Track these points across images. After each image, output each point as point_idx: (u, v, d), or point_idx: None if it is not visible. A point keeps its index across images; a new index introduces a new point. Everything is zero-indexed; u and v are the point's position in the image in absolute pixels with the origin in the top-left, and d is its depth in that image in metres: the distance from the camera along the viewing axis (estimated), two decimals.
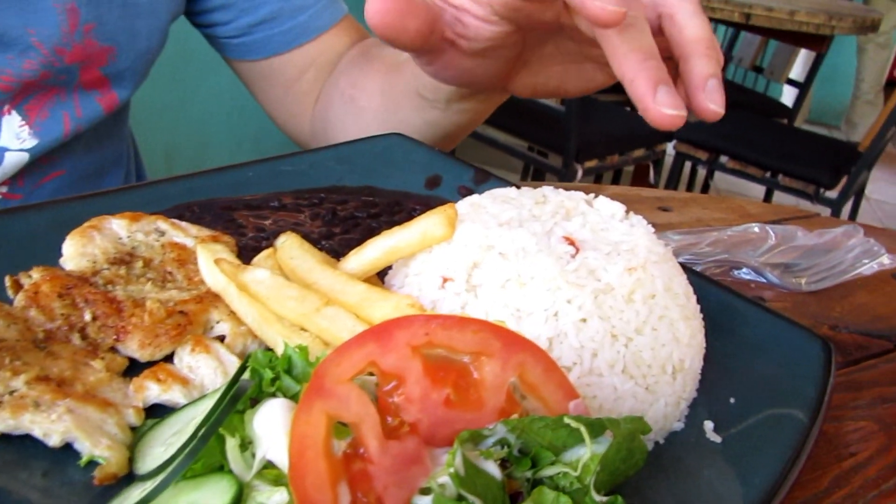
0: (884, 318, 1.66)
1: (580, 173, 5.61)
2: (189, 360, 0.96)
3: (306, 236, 1.23)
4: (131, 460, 0.84)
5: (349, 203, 1.40)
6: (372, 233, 1.29)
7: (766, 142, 6.39)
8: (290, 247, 1.09)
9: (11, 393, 0.84)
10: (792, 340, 1.24)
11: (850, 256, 1.84)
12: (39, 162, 1.67)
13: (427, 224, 1.07)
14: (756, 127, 6.74)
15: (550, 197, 1.22)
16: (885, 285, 1.80)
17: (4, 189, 1.65)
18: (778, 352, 1.21)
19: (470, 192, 1.50)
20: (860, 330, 1.60)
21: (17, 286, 1.02)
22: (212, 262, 1.06)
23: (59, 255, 1.10)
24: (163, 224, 1.17)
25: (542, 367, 0.86)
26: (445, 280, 1.05)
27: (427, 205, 1.45)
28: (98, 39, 1.61)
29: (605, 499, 0.80)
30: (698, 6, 1.24)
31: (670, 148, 6.45)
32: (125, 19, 1.65)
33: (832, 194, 6.04)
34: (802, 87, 8.05)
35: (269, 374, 0.84)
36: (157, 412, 0.92)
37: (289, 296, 0.98)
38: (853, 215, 6.82)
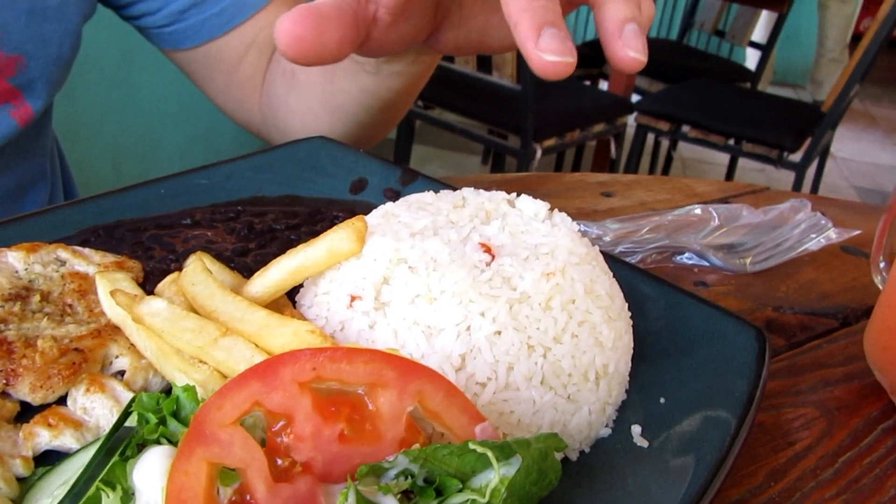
0: (830, 294, 1.65)
1: (539, 153, 5.60)
2: (83, 401, 0.92)
3: (219, 254, 1.20)
4: None
5: (268, 215, 1.37)
6: (291, 245, 1.25)
7: (727, 108, 6.38)
8: (192, 272, 1.06)
9: None
10: (725, 332, 1.20)
11: (797, 232, 1.82)
12: None
13: (334, 239, 1.04)
14: (717, 94, 6.75)
15: (470, 200, 1.18)
16: (833, 259, 1.79)
17: None
18: (711, 345, 1.18)
19: (397, 195, 1.47)
20: (805, 310, 1.59)
21: None
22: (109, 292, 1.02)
23: None
24: (63, 253, 1.13)
25: (442, 392, 0.84)
26: (354, 298, 1.02)
27: (352, 211, 1.42)
28: (4, 49, 1.56)
29: None
30: None
31: (631, 120, 6.45)
32: (32, 26, 1.59)
33: (796, 157, 6.07)
34: (765, 49, 8.11)
35: (153, 419, 0.80)
36: (51, 459, 0.89)
37: (185, 327, 0.95)
38: (818, 176, 6.88)
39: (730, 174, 7.38)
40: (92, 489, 0.74)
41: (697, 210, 1.85)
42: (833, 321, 1.55)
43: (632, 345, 1.13)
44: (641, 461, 1.00)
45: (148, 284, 1.11)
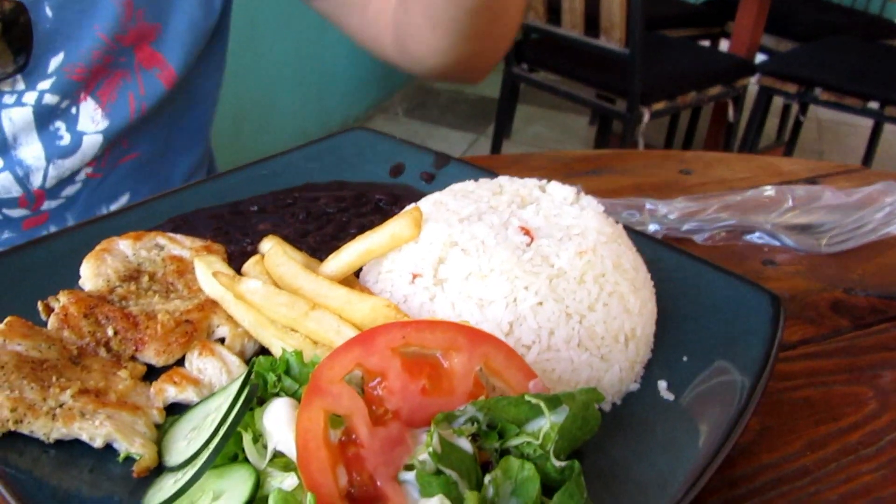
0: None
1: (647, 116, 5.40)
2: (198, 363, 1.17)
3: (285, 237, 1.42)
4: (159, 454, 1.05)
5: (320, 200, 1.60)
6: (343, 227, 1.51)
7: (869, 69, 5.70)
8: (275, 254, 1.29)
9: (61, 406, 1.05)
10: (743, 297, 1.39)
11: (880, 216, 1.85)
12: (114, 144, 1.90)
13: (396, 227, 1.27)
14: (857, 52, 6.06)
15: (506, 186, 1.41)
16: None
17: (89, 170, 1.89)
18: (729, 309, 1.38)
19: (432, 177, 1.70)
20: (879, 293, 1.65)
21: (48, 309, 1.23)
22: (208, 272, 1.26)
23: (78, 277, 1.30)
24: (161, 239, 1.38)
25: (503, 354, 1.08)
26: (415, 276, 1.25)
27: (392, 193, 1.65)
28: (147, 20, 1.84)
29: (563, 463, 1.00)
30: None
31: (753, 82, 5.99)
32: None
33: None
34: None
35: (272, 377, 1.05)
36: (174, 410, 1.14)
37: (279, 302, 1.19)
38: None
39: (873, 140, 6.64)
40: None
41: (771, 191, 1.90)
42: None
43: (655, 310, 1.35)
44: (668, 412, 1.21)
45: (231, 264, 1.34)
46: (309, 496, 0.88)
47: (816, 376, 1.41)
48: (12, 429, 1.03)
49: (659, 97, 5.47)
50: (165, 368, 1.18)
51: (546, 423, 1.02)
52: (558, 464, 1.00)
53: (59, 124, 1.80)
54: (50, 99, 1.75)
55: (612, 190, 1.99)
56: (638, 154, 2.28)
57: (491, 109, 6.75)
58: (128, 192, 1.99)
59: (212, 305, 1.25)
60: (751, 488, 1.19)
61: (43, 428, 1.03)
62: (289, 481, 0.94)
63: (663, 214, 1.83)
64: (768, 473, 1.22)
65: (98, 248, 1.34)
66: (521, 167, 1.52)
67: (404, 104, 8.16)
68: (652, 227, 1.80)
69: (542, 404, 1.02)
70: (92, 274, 1.29)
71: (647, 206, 1.85)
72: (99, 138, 1.84)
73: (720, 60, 6.24)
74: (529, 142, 7.60)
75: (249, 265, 1.32)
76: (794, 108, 6.80)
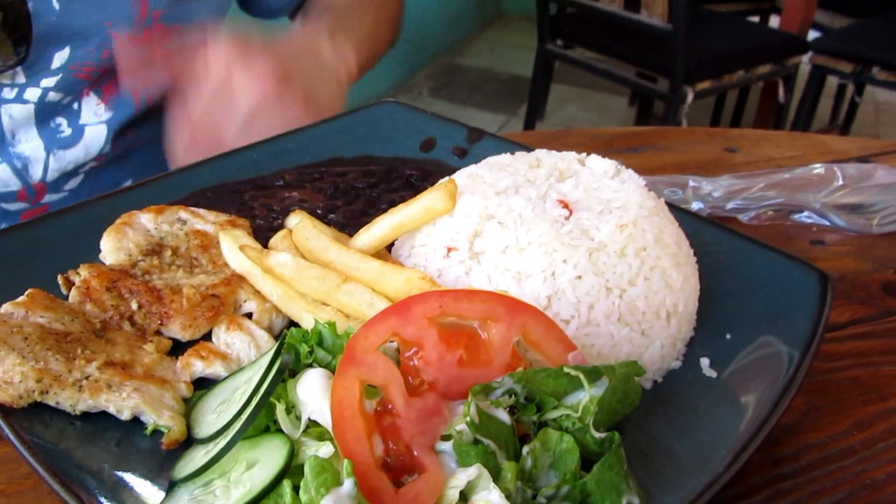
0: None
1: (690, 97, 5.43)
2: (225, 338, 1.24)
3: (312, 212, 1.49)
4: (188, 428, 1.12)
5: (348, 175, 1.66)
6: (373, 202, 1.57)
7: None
8: (304, 228, 1.36)
9: (87, 378, 1.12)
10: (789, 274, 1.44)
11: None
12: (119, 135, 2.01)
13: (429, 199, 1.34)
14: None
15: (544, 160, 1.47)
16: None
17: (94, 163, 2.01)
18: (775, 286, 1.43)
19: (464, 153, 1.77)
20: None
21: (69, 283, 1.29)
22: (234, 247, 1.33)
23: (98, 251, 1.37)
24: (183, 213, 1.45)
25: (542, 326, 1.14)
26: (450, 249, 1.31)
27: (422, 168, 1.71)
28: (165, 23, 1.94)
29: (603, 434, 1.06)
30: None
31: (805, 61, 6.01)
32: (189, 4, 1.99)
33: None
34: None
35: (304, 349, 1.11)
36: (200, 386, 1.20)
37: (310, 276, 1.26)
38: None
39: None
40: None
41: (819, 169, 1.94)
42: None
43: (698, 286, 1.40)
44: (710, 390, 1.27)
45: (257, 239, 1.40)
46: (346, 462, 0.94)
47: (865, 357, 1.46)
48: (38, 399, 1.10)
49: (704, 76, 5.47)
50: (191, 344, 1.25)
51: (585, 396, 1.08)
52: (598, 435, 1.06)
53: (61, 120, 1.89)
54: (53, 96, 1.84)
55: (653, 168, 2.04)
56: (681, 131, 2.32)
57: (523, 89, 6.77)
58: (129, 180, 2.08)
59: (238, 280, 1.32)
60: (795, 467, 1.24)
61: (69, 399, 1.10)
62: (324, 450, 1.00)
63: (707, 192, 1.88)
64: (813, 453, 1.27)
65: (118, 221, 1.41)
66: (559, 144, 1.55)
67: (429, 83, 8.17)
68: (695, 206, 1.85)
69: (582, 376, 1.08)
70: (113, 248, 1.36)
71: (691, 183, 1.89)
72: (103, 129, 1.94)
73: (770, 37, 6.22)
74: (564, 124, 7.62)
75: (277, 239, 1.39)
76: (850, 88, 6.80)
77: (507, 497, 0.97)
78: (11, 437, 1.07)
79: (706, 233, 1.53)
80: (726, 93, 6.51)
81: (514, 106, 7.72)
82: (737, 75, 5.68)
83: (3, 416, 1.09)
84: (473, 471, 0.98)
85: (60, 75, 1.82)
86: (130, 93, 1.96)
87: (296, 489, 0.96)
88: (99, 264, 1.34)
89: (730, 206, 1.86)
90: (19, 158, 1.88)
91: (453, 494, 0.98)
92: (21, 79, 1.81)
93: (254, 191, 1.59)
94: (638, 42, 5.59)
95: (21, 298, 1.23)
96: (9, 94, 1.82)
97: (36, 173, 1.91)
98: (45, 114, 1.87)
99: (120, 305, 1.26)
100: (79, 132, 1.90)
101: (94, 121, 1.92)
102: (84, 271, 1.29)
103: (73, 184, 1.99)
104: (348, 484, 0.93)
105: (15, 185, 1.90)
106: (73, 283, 1.29)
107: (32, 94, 1.82)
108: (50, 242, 1.41)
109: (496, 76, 8.38)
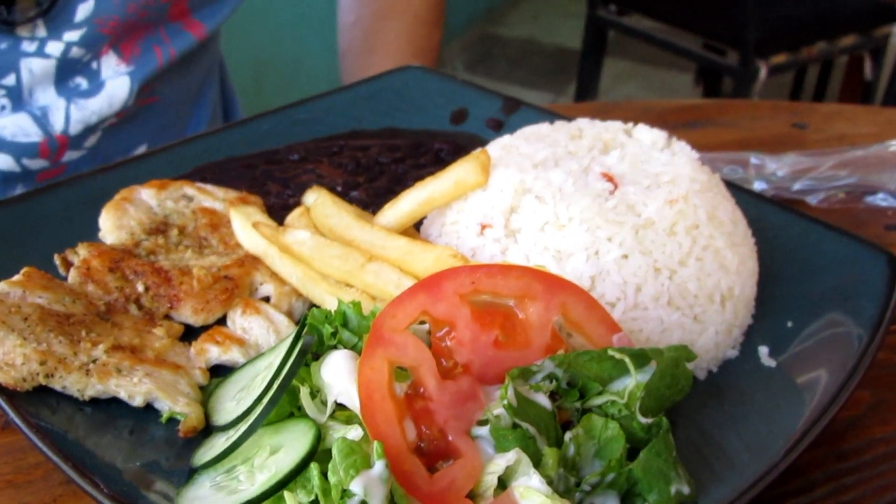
0: None
1: (764, 72, 5.30)
2: (241, 322, 1.32)
3: (331, 189, 1.57)
4: (206, 416, 1.19)
5: (370, 149, 1.74)
6: (398, 179, 1.64)
7: None
8: (323, 204, 1.43)
9: (94, 361, 1.19)
10: (856, 257, 1.49)
11: None
12: (146, 84, 2.10)
13: (460, 172, 1.41)
14: None
15: (587, 130, 1.54)
16: None
17: (114, 119, 2.09)
18: (840, 271, 1.48)
19: (500, 125, 1.82)
20: None
21: (67, 263, 1.38)
22: (247, 225, 1.40)
23: (96, 229, 1.45)
24: (189, 189, 1.53)
25: (584, 305, 1.20)
26: (484, 227, 1.39)
27: (454, 142, 1.78)
28: None
29: (650, 420, 1.13)
30: None
31: None
32: None
33: None
34: None
35: (328, 330, 1.19)
36: (215, 374, 1.28)
37: (333, 255, 1.33)
38: None
39: None
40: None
41: None
42: None
43: (757, 269, 1.46)
44: (770, 380, 1.32)
45: (271, 218, 1.48)
46: (376, 444, 1.02)
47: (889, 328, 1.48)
48: (43, 383, 1.17)
49: (779, 48, 5.33)
50: (204, 330, 1.32)
51: (631, 382, 1.14)
52: (644, 420, 1.13)
53: (80, 80, 2.00)
54: (76, 52, 1.94)
55: (711, 145, 2.07)
56: (744, 104, 2.35)
57: (572, 63, 6.68)
58: (145, 144, 2.18)
59: (253, 262, 1.40)
60: (860, 462, 1.30)
61: (77, 384, 1.17)
62: (353, 433, 1.08)
63: (771, 171, 1.92)
64: (880, 447, 1.33)
65: (117, 197, 1.49)
66: (606, 119, 1.57)
67: (464, 56, 8.11)
68: (757, 186, 1.90)
69: (628, 360, 1.15)
70: (113, 226, 1.44)
71: (753, 160, 1.95)
72: (126, 81, 2.03)
73: (855, 3, 5.97)
74: None
75: (293, 217, 1.47)
76: None
77: (549, 484, 1.04)
78: (19, 423, 1.13)
79: (767, 212, 1.58)
80: (805, 68, 6.35)
81: (561, 83, 7.65)
82: (817, 48, 5.53)
83: (10, 402, 1.15)
84: (512, 456, 1.05)
85: (85, 29, 1.92)
86: (152, 50, 2.06)
87: (324, 475, 1.03)
88: (99, 243, 1.41)
89: (796, 186, 1.90)
90: (39, 108, 1.97)
91: (491, 480, 1.05)
92: (42, 32, 1.90)
93: (266, 165, 1.67)
94: (704, 8, 5.49)
95: (17, 277, 1.31)
96: (29, 46, 1.91)
97: (57, 123, 1.99)
98: (65, 72, 1.96)
99: (125, 287, 1.34)
100: (99, 86, 2.00)
101: (115, 75, 2.02)
102: (83, 251, 1.38)
103: (92, 140, 2.08)
104: (379, 466, 1.01)
105: (36, 135, 1.99)
106: (72, 263, 1.37)
107: (54, 48, 1.92)
108: (44, 220, 1.48)
109: (541, 48, 8.31)
